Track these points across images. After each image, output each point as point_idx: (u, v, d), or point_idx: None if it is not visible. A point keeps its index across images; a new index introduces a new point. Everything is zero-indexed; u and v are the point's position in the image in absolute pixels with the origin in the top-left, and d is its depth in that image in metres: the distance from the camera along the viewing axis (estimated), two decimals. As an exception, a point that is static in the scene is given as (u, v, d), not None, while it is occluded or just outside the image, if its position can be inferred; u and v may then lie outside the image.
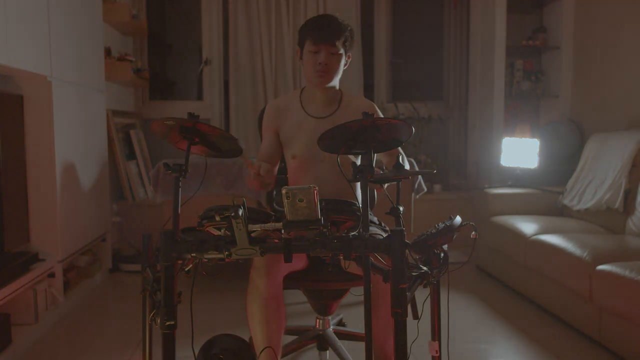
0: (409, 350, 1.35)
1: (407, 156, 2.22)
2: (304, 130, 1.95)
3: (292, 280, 1.89)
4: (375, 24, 4.73)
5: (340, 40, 1.87)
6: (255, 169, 1.64)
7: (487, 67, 4.26)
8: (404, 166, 1.57)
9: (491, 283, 3.45)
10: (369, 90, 4.69)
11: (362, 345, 1.41)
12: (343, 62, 1.93)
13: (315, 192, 1.26)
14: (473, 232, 1.44)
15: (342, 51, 1.89)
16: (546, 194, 3.55)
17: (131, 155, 4.12)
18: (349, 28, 1.92)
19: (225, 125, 4.55)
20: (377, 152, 1.58)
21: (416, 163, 3.38)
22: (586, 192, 3.23)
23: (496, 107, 4.17)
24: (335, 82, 1.97)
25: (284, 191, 1.26)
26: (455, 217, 1.47)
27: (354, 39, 1.96)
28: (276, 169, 2.03)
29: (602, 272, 2.32)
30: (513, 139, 3.95)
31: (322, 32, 1.86)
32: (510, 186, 3.75)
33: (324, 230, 1.31)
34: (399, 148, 1.95)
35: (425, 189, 3.46)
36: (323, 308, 2.14)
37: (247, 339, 1.59)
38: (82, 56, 3.13)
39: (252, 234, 1.35)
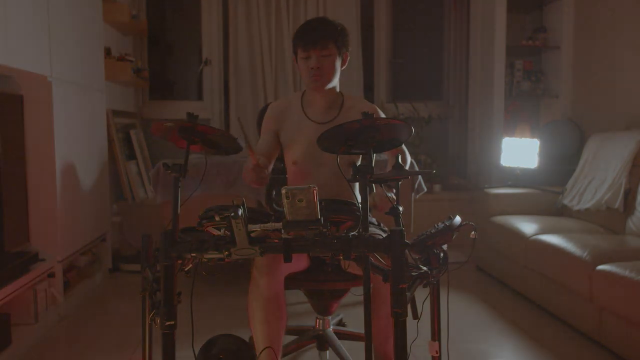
0: (409, 350, 1.35)
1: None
2: (305, 135, 1.95)
3: (292, 281, 1.89)
4: (375, 24, 4.73)
5: (330, 42, 1.86)
6: (255, 159, 1.64)
7: (487, 67, 4.26)
8: (404, 165, 1.57)
9: (491, 283, 3.45)
10: (369, 90, 4.69)
11: (362, 345, 1.41)
12: (338, 62, 1.92)
13: (315, 192, 1.26)
14: (473, 232, 1.44)
15: (334, 52, 1.89)
16: (546, 194, 3.55)
17: (131, 155, 4.12)
18: (338, 27, 1.90)
19: (225, 125, 4.56)
20: (378, 152, 1.59)
21: (416, 163, 3.38)
22: (586, 192, 3.23)
23: (496, 107, 4.17)
24: (334, 83, 1.96)
25: (283, 191, 1.26)
26: (455, 217, 1.47)
27: (348, 37, 1.94)
28: (270, 166, 2.03)
29: (602, 272, 2.32)
30: (513, 139, 3.95)
31: (308, 37, 1.87)
32: (510, 186, 3.75)
33: (324, 230, 1.31)
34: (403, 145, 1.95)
35: (425, 189, 3.46)
36: (323, 308, 2.14)
37: (247, 339, 1.59)
38: (82, 56, 3.13)
39: (252, 234, 1.35)
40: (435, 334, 1.53)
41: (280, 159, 2.10)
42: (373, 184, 1.95)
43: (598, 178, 3.18)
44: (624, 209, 2.93)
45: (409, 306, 1.36)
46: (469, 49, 4.56)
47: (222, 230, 1.41)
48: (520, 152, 3.84)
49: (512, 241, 3.14)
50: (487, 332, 2.63)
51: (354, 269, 1.85)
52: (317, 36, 1.85)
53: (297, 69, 1.98)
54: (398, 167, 1.55)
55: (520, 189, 3.65)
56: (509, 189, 3.66)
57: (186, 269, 1.44)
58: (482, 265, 3.69)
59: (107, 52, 3.66)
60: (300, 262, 1.88)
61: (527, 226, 3.07)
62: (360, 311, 1.65)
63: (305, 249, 1.35)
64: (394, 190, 1.73)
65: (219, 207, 1.34)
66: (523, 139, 3.88)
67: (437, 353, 1.52)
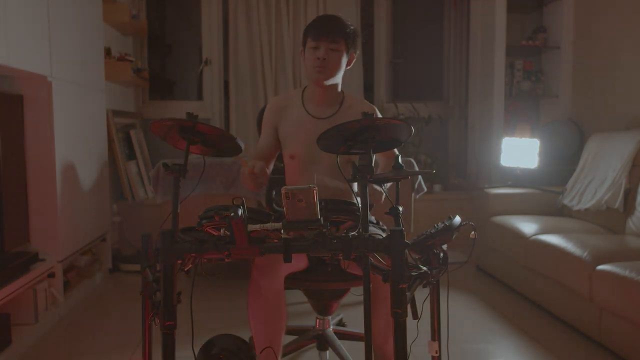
0: (409, 350, 1.35)
1: (407, 156, 2.23)
2: (303, 130, 1.95)
3: (292, 281, 1.89)
4: (375, 24, 4.73)
5: (340, 37, 1.87)
6: (249, 167, 1.64)
7: (487, 67, 4.26)
8: (403, 166, 1.57)
9: (491, 283, 3.45)
10: (369, 90, 4.69)
11: (362, 345, 1.41)
12: (344, 60, 1.92)
13: (315, 192, 1.25)
14: (473, 232, 1.44)
15: (343, 48, 1.89)
16: (546, 194, 3.55)
17: (131, 155, 4.12)
18: (351, 27, 1.91)
19: (225, 125, 4.56)
20: (376, 152, 1.58)
21: (416, 163, 3.38)
22: (586, 192, 3.23)
23: (496, 107, 4.16)
24: (337, 81, 1.95)
25: (283, 191, 1.26)
26: (454, 217, 1.47)
27: (358, 39, 1.95)
28: (271, 166, 2.02)
29: (602, 272, 2.32)
30: (513, 139, 3.95)
31: (321, 27, 1.87)
32: (510, 186, 3.75)
33: (324, 230, 1.31)
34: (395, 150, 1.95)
35: (425, 189, 3.46)
36: (323, 308, 2.14)
37: (247, 339, 1.59)
38: (82, 56, 3.13)
39: (252, 234, 1.35)
40: (435, 334, 1.53)
41: (280, 158, 2.10)
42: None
43: (598, 178, 3.18)
44: (624, 209, 2.93)
45: (409, 306, 1.36)
46: (469, 49, 4.56)
47: (222, 230, 1.41)
48: (520, 152, 3.84)
49: (512, 241, 3.14)
50: (487, 332, 2.63)
51: (354, 269, 1.85)
52: (329, 28, 1.86)
53: (303, 61, 1.97)
54: (398, 167, 1.55)
55: (520, 189, 3.65)
56: (509, 189, 3.66)
57: (186, 269, 1.44)
58: (482, 265, 3.69)
59: (107, 52, 3.66)
60: (300, 262, 1.88)
61: (527, 226, 3.07)
62: (360, 311, 1.65)
63: (305, 249, 1.35)
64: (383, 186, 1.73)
65: (219, 207, 1.34)
66: (523, 139, 3.88)
67: (437, 353, 1.52)
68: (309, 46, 1.90)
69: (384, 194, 1.73)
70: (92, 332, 2.63)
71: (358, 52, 1.98)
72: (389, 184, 1.89)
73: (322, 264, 1.94)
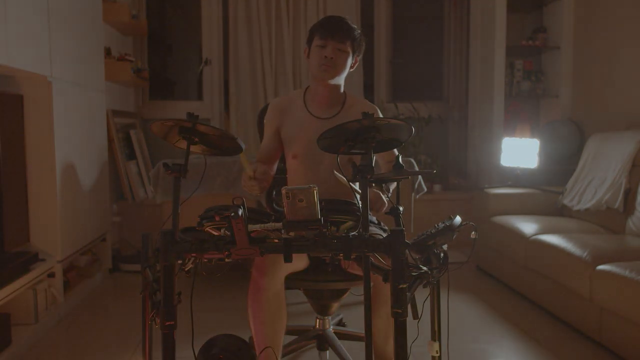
0: (409, 350, 1.35)
1: (407, 156, 2.23)
2: (306, 130, 1.95)
3: (292, 281, 1.89)
4: (375, 24, 4.73)
5: (348, 38, 1.88)
6: (250, 172, 1.64)
7: (487, 67, 4.26)
8: (403, 166, 1.57)
9: (491, 283, 3.45)
10: (369, 90, 4.69)
11: (362, 345, 1.41)
12: (349, 62, 1.93)
13: (315, 192, 1.25)
14: (473, 232, 1.44)
15: (349, 50, 1.90)
16: (546, 194, 3.55)
17: (131, 155, 4.12)
18: (358, 31, 1.93)
19: (225, 125, 4.56)
20: (377, 153, 1.58)
21: (416, 163, 3.38)
22: (586, 192, 3.23)
23: (496, 107, 4.17)
24: (340, 81, 1.97)
25: (284, 191, 1.26)
26: (455, 217, 1.47)
27: (363, 44, 1.97)
28: (274, 167, 2.03)
29: (602, 272, 2.32)
30: (513, 139, 3.95)
31: (330, 27, 1.89)
32: (510, 186, 3.75)
33: (324, 230, 1.31)
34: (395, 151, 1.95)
35: (425, 189, 3.46)
36: (323, 308, 2.14)
37: (247, 339, 1.59)
38: (82, 56, 3.13)
39: (252, 234, 1.35)
40: (435, 334, 1.53)
41: (281, 158, 2.10)
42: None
43: (598, 178, 3.18)
44: (624, 209, 2.93)
45: (409, 306, 1.36)
46: (469, 49, 4.56)
47: (222, 230, 1.41)
48: (520, 152, 3.84)
49: (512, 241, 3.14)
50: (487, 332, 2.63)
51: (354, 269, 1.85)
52: (339, 29, 1.88)
53: (307, 60, 1.97)
54: (398, 167, 1.55)
55: (520, 189, 3.65)
56: (509, 189, 3.66)
57: (186, 269, 1.44)
58: (482, 265, 3.69)
59: (107, 52, 3.66)
60: (300, 262, 1.88)
61: (527, 226, 3.07)
62: (360, 311, 1.65)
63: (305, 249, 1.35)
64: (389, 193, 1.74)
65: (219, 207, 1.34)
66: (523, 139, 3.88)
67: (437, 353, 1.52)
68: (315, 44, 1.90)
69: (387, 203, 1.74)
70: (92, 332, 2.63)
71: (360, 57, 2.00)
72: (392, 188, 1.89)
73: (322, 264, 1.95)
